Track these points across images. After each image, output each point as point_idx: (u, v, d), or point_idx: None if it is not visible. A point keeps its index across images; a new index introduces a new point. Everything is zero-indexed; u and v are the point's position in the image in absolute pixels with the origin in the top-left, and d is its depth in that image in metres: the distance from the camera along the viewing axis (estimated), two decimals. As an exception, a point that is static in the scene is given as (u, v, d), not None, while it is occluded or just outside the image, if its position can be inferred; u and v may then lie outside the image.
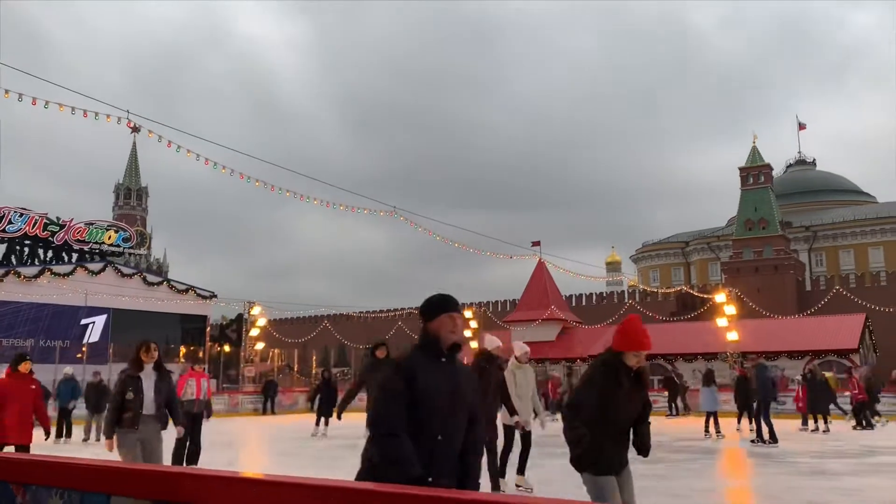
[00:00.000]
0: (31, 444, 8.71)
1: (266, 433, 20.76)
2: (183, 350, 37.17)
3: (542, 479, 9.72)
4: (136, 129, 14.96)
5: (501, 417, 8.89)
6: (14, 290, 34.12)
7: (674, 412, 26.45)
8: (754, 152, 67.79)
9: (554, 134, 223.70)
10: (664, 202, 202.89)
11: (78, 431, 17.80)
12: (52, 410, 14.79)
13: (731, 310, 30.89)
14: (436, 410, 3.18)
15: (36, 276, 35.31)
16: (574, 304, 68.22)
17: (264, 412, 29.42)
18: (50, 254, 38.82)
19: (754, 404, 16.49)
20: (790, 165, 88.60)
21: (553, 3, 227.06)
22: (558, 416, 13.68)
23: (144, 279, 40.02)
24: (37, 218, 37.75)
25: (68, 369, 19.39)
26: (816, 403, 19.49)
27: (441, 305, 3.38)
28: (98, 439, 16.74)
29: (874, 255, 71.95)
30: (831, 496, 8.83)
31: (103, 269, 38.08)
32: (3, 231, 36.66)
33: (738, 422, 18.80)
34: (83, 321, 36.41)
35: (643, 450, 4.57)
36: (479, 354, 8.44)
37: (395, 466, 3.05)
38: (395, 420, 3.14)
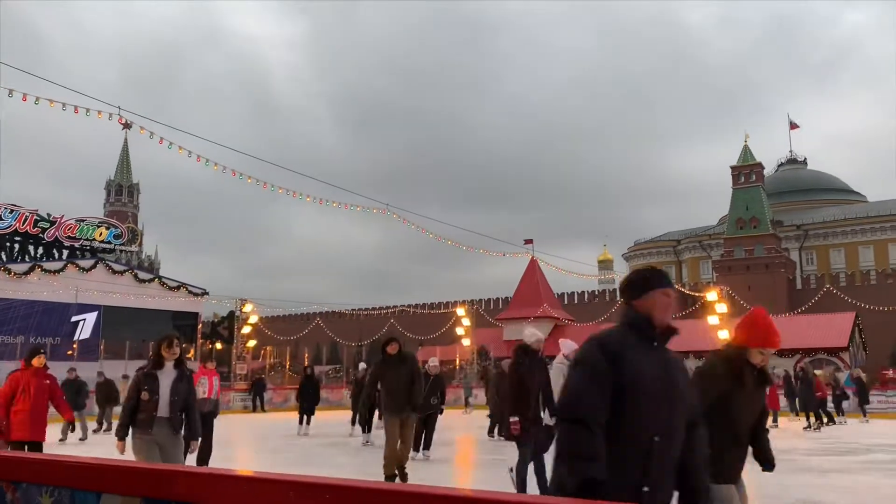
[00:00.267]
0: (44, 442, 8.31)
1: (255, 430, 20.72)
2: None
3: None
4: (127, 126, 14.90)
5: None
6: (4, 286, 33.96)
7: None
8: (746, 151, 68.07)
9: (547, 132, 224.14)
10: (656, 200, 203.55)
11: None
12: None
13: (722, 308, 31.03)
14: (650, 403, 2.60)
15: (26, 273, 35.14)
16: (566, 302, 68.43)
17: (254, 410, 29.42)
18: (40, 250, 38.66)
19: None
20: (781, 164, 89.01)
21: (547, 2, 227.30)
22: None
23: (136, 276, 39.89)
24: (27, 214, 37.56)
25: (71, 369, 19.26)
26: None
27: (654, 280, 2.83)
28: (84, 438, 16.65)
29: (864, 254, 72.36)
30: (823, 493, 8.87)
31: (94, 266, 37.92)
32: (-6, 227, 36.49)
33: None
34: (74, 318, 36.25)
35: (767, 461, 3.98)
36: (518, 348, 7.86)
37: (574, 462, 2.53)
38: (588, 405, 2.58)
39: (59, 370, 18.16)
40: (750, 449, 3.90)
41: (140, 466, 2.16)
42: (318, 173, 18.54)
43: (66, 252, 38.95)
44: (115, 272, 38.70)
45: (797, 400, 21.33)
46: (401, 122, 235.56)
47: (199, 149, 15.97)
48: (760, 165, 67.61)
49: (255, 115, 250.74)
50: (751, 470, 4.09)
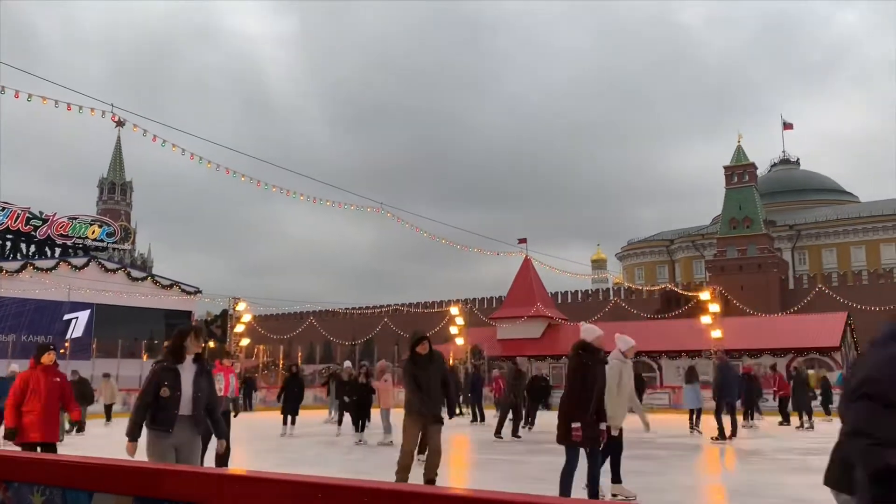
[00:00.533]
0: (57, 443, 7.96)
1: (246, 430, 20.67)
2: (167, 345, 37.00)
3: (645, 485, 9.30)
4: (120, 123, 14.83)
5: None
6: (-4, 284, 33.83)
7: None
8: (739, 151, 68.28)
9: (541, 132, 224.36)
10: (650, 200, 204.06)
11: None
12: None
13: (715, 307, 31.06)
14: None
15: (18, 271, 34.98)
16: (560, 301, 68.51)
17: (245, 409, 29.44)
18: (33, 248, 38.50)
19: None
20: (774, 164, 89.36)
21: (545, 2, 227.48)
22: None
23: (128, 274, 39.76)
24: (19, 212, 37.40)
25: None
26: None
27: None
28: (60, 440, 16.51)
29: (856, 254, 72.70)
30: (815, 493, 8.89)
31: (87, 264, 37.79)
32: (-15, 225, 36.32)
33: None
34: (66, 316, 36.12)
35: None
36: (581, 346, 7.36)
37: (868, 447, 2.28)
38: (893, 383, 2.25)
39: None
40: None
41: (132, 465, 2.15)
42: (312, 171, 18.48)
43: (58, 250, 38.82)
44: (107, 270, 38.57)
45: (790, 399, 21.43)
46: (396, 121, 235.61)
47: (192, 147, 15.93)
48: (754, 166, 67.86)
49: (248, 113, 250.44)
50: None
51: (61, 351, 31.31)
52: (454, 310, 39.04)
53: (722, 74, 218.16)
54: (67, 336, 35.07)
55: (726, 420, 15.90)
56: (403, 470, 8.39)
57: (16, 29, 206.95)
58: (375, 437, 15.33)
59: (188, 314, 41.67)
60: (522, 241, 41.55)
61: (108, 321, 36.10)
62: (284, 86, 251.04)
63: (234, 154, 16.43)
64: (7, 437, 7.71)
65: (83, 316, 36.71)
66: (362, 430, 15.61)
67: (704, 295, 32.13)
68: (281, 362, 47.11)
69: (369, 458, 12.83)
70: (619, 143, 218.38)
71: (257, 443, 17.02)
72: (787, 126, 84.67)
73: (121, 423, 20.98)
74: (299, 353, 45.63)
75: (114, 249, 42.74)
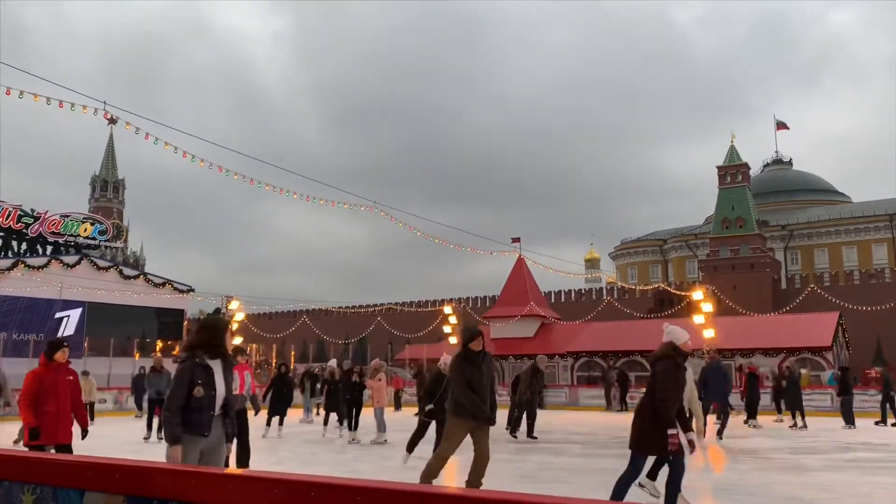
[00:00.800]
0: (71, 443, 7.54)
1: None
2: (160, 344, 36.86)
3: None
4: (113, 121, 14.76)
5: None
6: (-13, 282, 33.66)
7: (623, 408, 28.10)
8: (732, 151, 68.48)
9: (535, 131, 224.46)
10: (643, 200, 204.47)
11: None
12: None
13: (707, 307, 31.16)
14: None
15: (9, 269, 34.79)
16: (553, 301, 68.64)
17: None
18: (24, 246, 38.31)
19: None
20: (767, 165, 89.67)
21: (537, 1, 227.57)
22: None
23: (121, 272, 39.59)
24: (10, 209, 37.22)
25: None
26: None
27: None
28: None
29: (848, 255, 73.05)
30: (805, 491, 8.94)
31: (79, 262, 37.61)
32: (-24, 223, 36.13)
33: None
34: (58, 315, 35.94)
35: None
36: (674, 350, 7.00)
37: None
38: None
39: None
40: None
41: (122, 464, 2.14)
42: (304, 170, 18.51)
43: (50, 248, 38.63)
44: (99, 268, 38.40)
45: (782, 399, 21.53)
46: (389, 120, 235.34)
47: (184, 144, 15.82)
48: (746, 166, 68.07)
49: (240, 111, 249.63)
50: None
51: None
52: (447, 309, 39.08)
53: (715, 74, 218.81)
54: (59, 334, 34.90)
55: (710, 419, 16.19)
56: (431, 476, 7.85)
57: (7, 24, 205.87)
58: (368, 435, 15.33)
59: (181, 313, 41.53)
60: (516, 240, 41.57)
61: (100, 319, 35.96)
62: (277, 84, 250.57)
63: (226, 152, 16.40)
64: (32, 437, 7.26)
65: (75, 314, 36.54)
66: (355, 428, 15.60)
67: (697, 294, 32.23)
68: (274, 361, 47.09)
69: (363, 457, 12.83)
70: (613, 143, 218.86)
71: (251, 442, 16.98)
72: (781, 126, 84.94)
73: (103, 422, 20.90)
74: (292, 353, 45.63)
75: (106, 247, 42.51)
